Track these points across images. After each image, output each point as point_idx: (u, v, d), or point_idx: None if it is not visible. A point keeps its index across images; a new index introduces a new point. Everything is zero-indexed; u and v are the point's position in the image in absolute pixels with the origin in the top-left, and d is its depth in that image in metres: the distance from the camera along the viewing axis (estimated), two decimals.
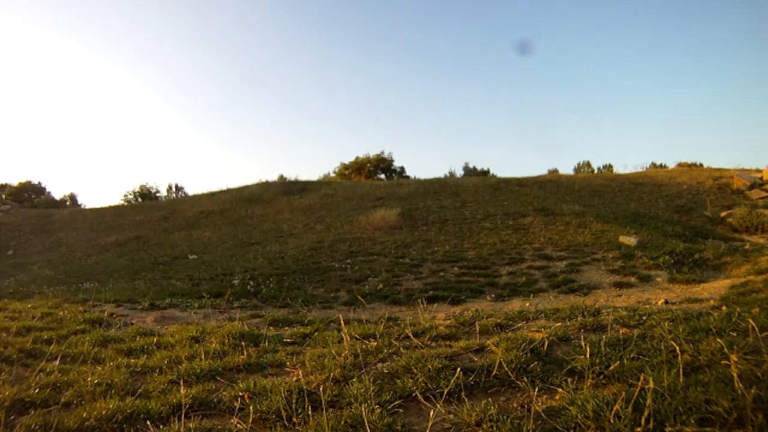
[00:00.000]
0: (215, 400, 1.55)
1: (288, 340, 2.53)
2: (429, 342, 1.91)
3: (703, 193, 13.82)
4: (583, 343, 1.43)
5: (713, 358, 1.21)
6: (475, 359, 1.56)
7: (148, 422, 1.34)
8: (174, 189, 33.99)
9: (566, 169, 31.02)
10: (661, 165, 25.85)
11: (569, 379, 1.26)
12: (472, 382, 1.37)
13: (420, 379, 1.39)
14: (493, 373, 1.38)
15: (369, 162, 30.53)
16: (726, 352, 1.10)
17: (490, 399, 1.23)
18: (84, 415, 1.44)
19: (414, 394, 1.33)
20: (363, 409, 1.18)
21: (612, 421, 0.93)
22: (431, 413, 1.13)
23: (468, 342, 1.78)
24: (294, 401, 1.35)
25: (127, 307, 4.81)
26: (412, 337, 1.96)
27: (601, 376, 1.24)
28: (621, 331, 1.65)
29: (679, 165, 22.89)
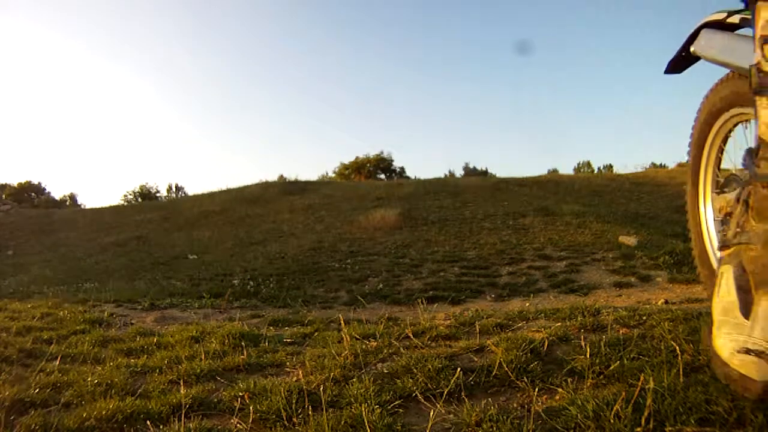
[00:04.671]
0: (215, 400, 1.55)
1: (288, 340, 2.53)
2: (429, 342, 1.91)
3: None
4: (583, 343, 1.43)
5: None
6: (475, 359, 1.56)
7: (148, 422, 1.34)
8: (174, 189, 33.97)
9: (566, 169, 31.03)
10: (661, 165, 25.88)
11: (569, 379, 1.26)
12: (472, 382, 1.36)
13: (420, 379, 1.39)
14: (493, 373, 1.38)
15: (369, 162, 30.52)
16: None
17: (490, 399, 1.22)
18: (84, 415, 1.44)
19: (414, 394, 1.33)
20: (363, 409, 1.18)
21: (612, 421, 0.93)
22: (431, 413, 1.12)
23: (468, 342, 1.78)
24: (294, 401, 1.35)
25: (127, 307, 4.81)
26: (412, 337, 1.96)
27: (601, 376, 1.24)
28: (621, 331, 1.64)
29: (679, 165, 22.90)
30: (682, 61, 1.43)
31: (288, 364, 1.94)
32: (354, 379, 1.48)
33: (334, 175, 30.97)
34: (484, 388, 1.34)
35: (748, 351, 0.76)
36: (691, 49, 1.37)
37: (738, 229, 0.85)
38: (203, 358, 2.08)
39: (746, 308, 0.78)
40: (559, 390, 1.21)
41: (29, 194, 34.15)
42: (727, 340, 0.80)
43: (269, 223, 13.24)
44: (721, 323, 0.83)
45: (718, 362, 0.82)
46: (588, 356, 1.32)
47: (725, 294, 0.83)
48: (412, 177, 27.43)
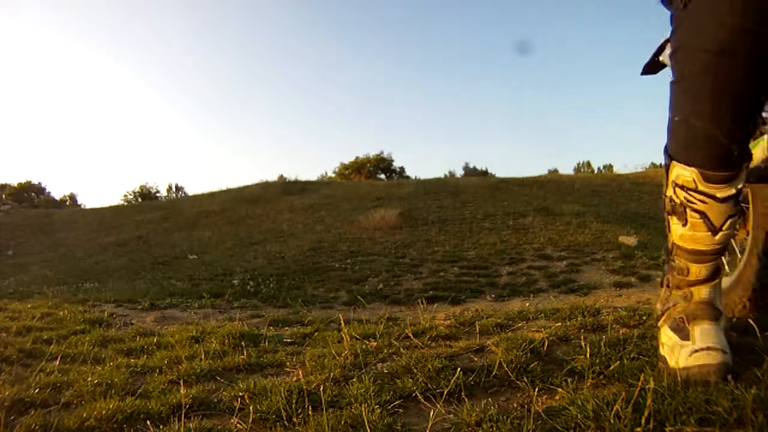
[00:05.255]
0: (215, 400, 1.55)
1: (288, 340, 2.52)
2: (429, 342, 1.91)
3: None
4: (583, 343, 1.43)
5: None
6: (475, 359, 1.56)
7: (148, 422, 1.34)
8: (174, 189, 34.03)
9: (566, 169, 31.10)
10: (661, 165, 25.85)
11: (569, 379, 1.26)
12: (472, 382, 1.36)
13: (420, 379, 1.39)
14: (493, 373, 1.38)
15: (369, 162, 30.56)
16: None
17: (490, 399, 1.22)
18: (84, 415, 1.43)
19: (414, 394, 1.33)
20: (363, 409, 1.18)
21: (612, 421, 0.93)
22: (431, 413, 1.12)
23: (468, 342, 1.78)
24: (294, 401, 1.35)
25: (127, 307, 4.80)
26: (412, 337, 1.96)
27: (601, 376, 1.24)
28: (621, 331, 1.65)
29: None
30: (655, 66, 1.58)
31: (288, 364, 1.94)
32: (354, 379, 1.48)
33: (334, 175, 31.00)
34: (484, 388, 1.34)
35: (697, 351, 1.06)
36: (660, 58, 1.51)
37: (665, 301, 1.24)
38: (203, 358, 2.08)
39: (686, 336, 1.12)
40: (559, 390, 1.21)
41: (29, 194, 34.17)
42: (681, 355, 1.09)
43: (269, 223, 13.25)
44: (671, 352, 1.13)
45: (677, 372, 1.08)
46: (588, 356, 1.32)
47: (668, 339, 1.17)
48: (412, 177, 27.49)
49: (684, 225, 1.12)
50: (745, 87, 0.92)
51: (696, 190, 1.06)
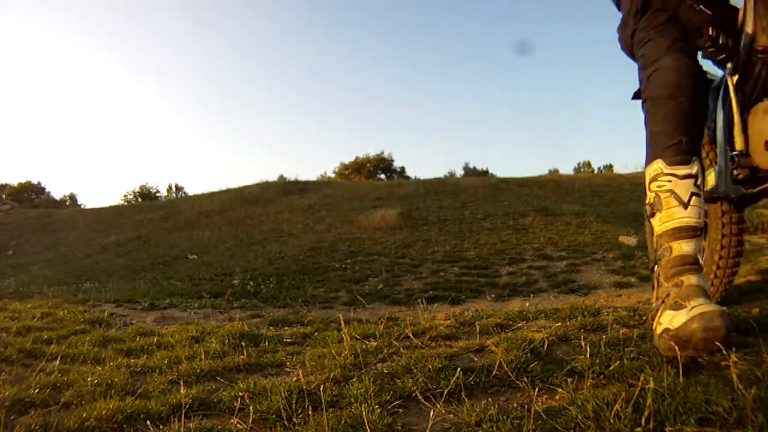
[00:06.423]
0: (215, 400, 1.55)
1: (288, 340, 2.53)
2: (429, 342, 1.91)
3: None
4: (583, 343, 1.43)
5: (713, 358, 1.21)
6: (475, 359, 1.56)
7: (148, 422, 1.34)
8: (174, 189, 34.04)
9: (566, 169, 31.09)
10: None
11: (569, 379, 1.26)
12: (472, 382, 1.36)
13: (420, 379, 1.39)
14: (493, 373, 1.37)
15: (369, 162, 30.56)
16: (725, 352, 1.10)
17: (490, 399, 1.22)
18: (84, 415, 1.43)
19: (414, 394, 1.33)
20: (363, 409, 1.18)
21: (612, 421, 0.93)
22: (431, 413, 1.12)
23: (468, 342, 1.78)
24: (294, 401, 1.35)
25: (127, 307, 4.81)
26: (412, 337, 1.96)
27: (601, 376, 1.24)
28: (621, 331, 1.65)
29: None
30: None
31: (288, 364, 1.94)
32: (354, 379, 1.48)
33: (334, 175, 30.99)
34: (484, 388, 1.34)
35: (695, 306, 1.17)
36: None
37: (658, 297, 1.34)
38: (203, 358, 2.08)
39: (683, 307, 1.21)
40: (559, 390, 1.21)
41: (29, 194, 34.17)
42: (681, 315, 1.19)
43: (269, 223, 13.25)
44: (671, 322, 1.22)
45: (681, 329, 1.18)
46: (588, 356, 1.32)
47: (667, 317, 1.25)
48: (412, 177, 27.46)
49: (661, 210, 1.36)
50: (682, 110, 1.40)
51: (663, 174, 1.38)
